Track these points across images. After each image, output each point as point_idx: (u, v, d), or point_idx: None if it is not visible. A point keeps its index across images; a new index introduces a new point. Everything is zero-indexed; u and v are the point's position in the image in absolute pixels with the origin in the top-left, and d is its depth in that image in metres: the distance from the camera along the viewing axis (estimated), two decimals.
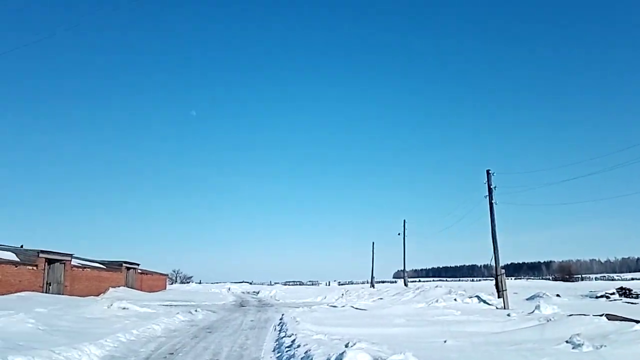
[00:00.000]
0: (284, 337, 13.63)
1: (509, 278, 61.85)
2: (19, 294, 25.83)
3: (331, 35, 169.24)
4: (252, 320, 21.41)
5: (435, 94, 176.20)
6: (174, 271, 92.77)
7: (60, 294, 30.62)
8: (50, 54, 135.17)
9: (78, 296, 30.61)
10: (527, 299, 30.30)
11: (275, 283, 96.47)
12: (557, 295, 31.08)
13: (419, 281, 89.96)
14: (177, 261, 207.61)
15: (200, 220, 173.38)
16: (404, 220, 60.30)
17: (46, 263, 30.45)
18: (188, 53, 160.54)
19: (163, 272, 59.54)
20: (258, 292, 58.36)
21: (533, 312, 21.11)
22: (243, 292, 62.84)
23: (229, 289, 66.02)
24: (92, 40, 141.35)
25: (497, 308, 26.07)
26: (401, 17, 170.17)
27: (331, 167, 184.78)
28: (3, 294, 24.98)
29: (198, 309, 24.78)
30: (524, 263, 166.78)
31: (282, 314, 22.14)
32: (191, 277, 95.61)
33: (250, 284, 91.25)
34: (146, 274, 49.58)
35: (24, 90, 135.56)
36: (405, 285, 56.32)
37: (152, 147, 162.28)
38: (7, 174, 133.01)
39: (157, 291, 48.76)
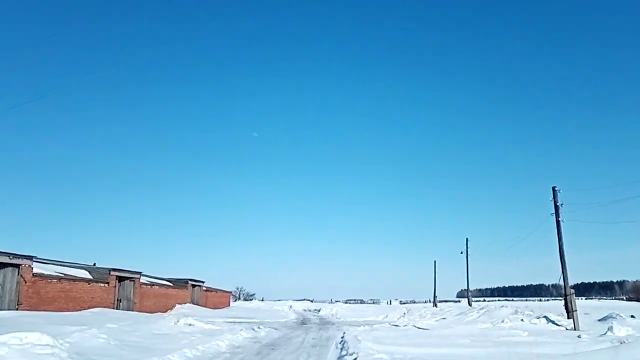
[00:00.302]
0: (345, 355, 13.63)
1: (579, 298, 59.03)
2: (91, 310, 27.06)
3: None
4: (313, 338, 21.49)
5: (499, 111, 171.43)
6: (237, 288, 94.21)
7: (129, 310, 31.83)
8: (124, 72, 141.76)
9: (146, 312, 31.75)
10: (599, 320, 28.86)
11: (336, 301, 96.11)
12: (632, 316, 29.36)
13: (484, 301, 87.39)
14: (240, 278, 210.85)
15: (263, 238, 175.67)
16: (467, 239, 58.80)
17: (117, 280, 31.75)
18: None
19: (227, 290, 60.83)
20: (319, 310, 58.43)
21: (606, 333, 20.28)
22: (304, 310, 63.13)
23: (291, 307, 66.44)
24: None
25: (566, 329, 25.06)
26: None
27: (392, 185, 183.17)
28: (77, 310, 26.24)
29: (261, 326, 25.11)
30: (595, 282, 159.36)
31: (344, 332, 22.05)
32: (254, 294, 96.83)
33: (312, 301, 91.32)
34: (211, 291, 50.74)
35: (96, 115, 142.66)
36: (469, 304, 54.81)
37: (218, 169, 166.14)
38: (83, 199, 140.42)
39: (221, 308, 49.77)
